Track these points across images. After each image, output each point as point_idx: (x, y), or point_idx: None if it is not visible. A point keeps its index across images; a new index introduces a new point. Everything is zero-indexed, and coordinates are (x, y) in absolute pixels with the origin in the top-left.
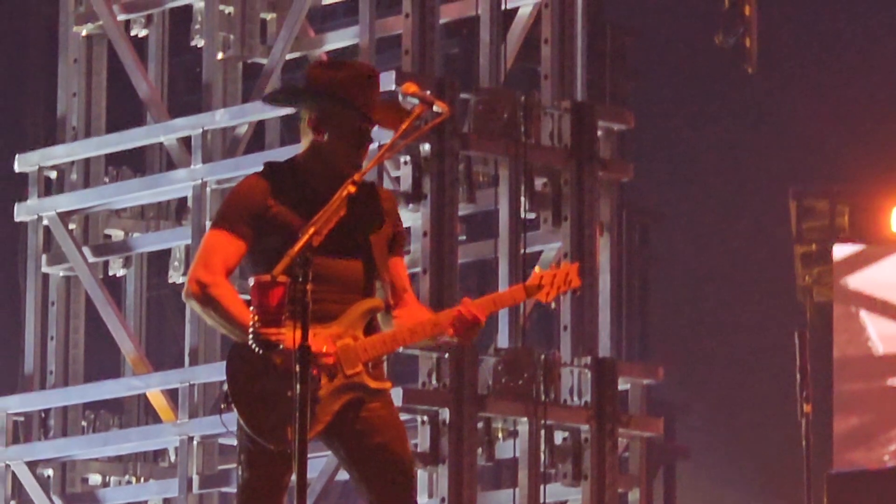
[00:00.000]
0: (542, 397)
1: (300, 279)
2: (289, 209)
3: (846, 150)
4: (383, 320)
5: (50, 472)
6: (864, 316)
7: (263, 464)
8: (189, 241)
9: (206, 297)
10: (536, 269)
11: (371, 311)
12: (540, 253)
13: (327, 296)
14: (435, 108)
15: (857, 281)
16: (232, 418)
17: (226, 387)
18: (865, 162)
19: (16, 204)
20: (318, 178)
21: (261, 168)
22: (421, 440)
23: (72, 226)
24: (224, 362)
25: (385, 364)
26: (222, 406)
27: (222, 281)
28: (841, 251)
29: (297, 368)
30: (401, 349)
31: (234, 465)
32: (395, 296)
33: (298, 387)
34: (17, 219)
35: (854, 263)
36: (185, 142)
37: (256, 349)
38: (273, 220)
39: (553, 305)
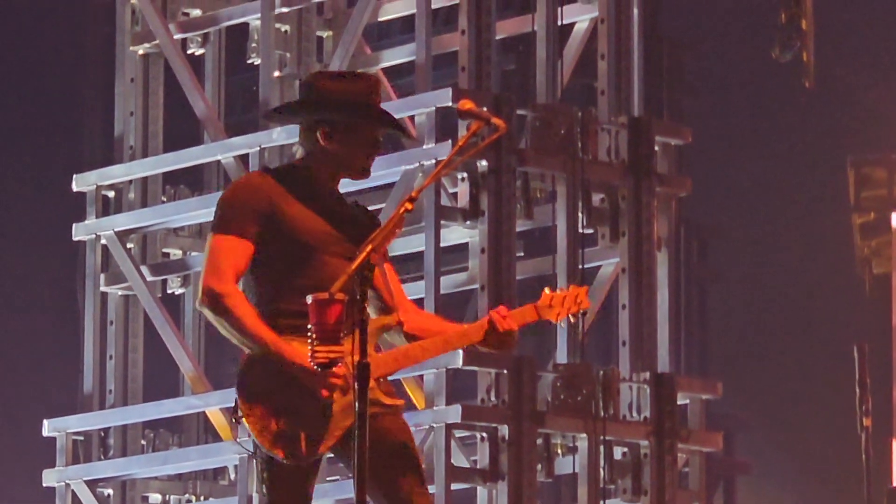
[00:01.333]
0: (602, 413)
1: (358, 296)
2: (300, 210)
3: None
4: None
5: (110, 491)
6: None
7: (285, 479)
8: None
9: (220, 308)
10: (546, 290)
11: (384, 328)
12: (598, 268)
13: None
14: (492, 125)
15: None
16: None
17: (236, 399)
18: None
19: (74, 223)
20: (323, 184)
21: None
22: (480, 457)
23: (130, 245)
24: None
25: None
26: (233, 419)
27: (234, 291)
28: None
29: (356, 386)
30: (460, 366)
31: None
32: (393, 302)
33: (357, 404)
34: (76, 238)
35: None
36: (243, 160)
37: (316, 367)
38: (288, 222)
39: (586, 320)
